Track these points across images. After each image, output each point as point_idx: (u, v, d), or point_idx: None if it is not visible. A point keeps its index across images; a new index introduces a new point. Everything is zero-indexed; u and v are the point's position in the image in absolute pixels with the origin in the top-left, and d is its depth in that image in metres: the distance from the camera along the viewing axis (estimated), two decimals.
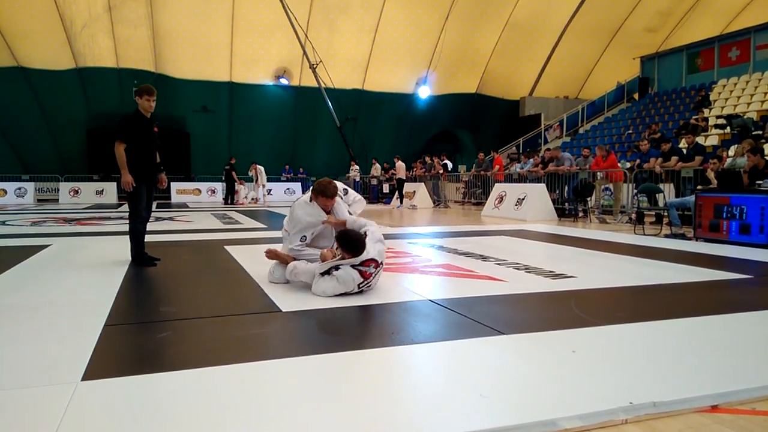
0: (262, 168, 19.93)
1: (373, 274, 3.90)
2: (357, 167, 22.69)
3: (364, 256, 3.83)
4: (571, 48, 26.30)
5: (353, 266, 3.80)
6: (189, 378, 2.33)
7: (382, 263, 3.99)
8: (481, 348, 2.78)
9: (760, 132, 13.88)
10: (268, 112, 25.57)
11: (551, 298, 4.02)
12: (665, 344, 2.86)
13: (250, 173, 20.25)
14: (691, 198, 8.21)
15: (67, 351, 2.69)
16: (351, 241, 3.88)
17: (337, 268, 3.82)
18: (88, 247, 6.79)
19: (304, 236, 4.30)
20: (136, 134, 5.15)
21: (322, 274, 3.87)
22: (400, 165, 18.31)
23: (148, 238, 5.56)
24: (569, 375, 2.38)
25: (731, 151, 10.45)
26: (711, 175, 9.15)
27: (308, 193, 4.45)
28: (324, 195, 4.29)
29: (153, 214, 5.55)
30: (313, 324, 3.34)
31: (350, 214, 4.51)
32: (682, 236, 8.07)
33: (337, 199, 4.43)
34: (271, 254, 4.41)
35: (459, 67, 26.64)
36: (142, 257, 5.31)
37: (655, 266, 5.50)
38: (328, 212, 4.37)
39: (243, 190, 20.27)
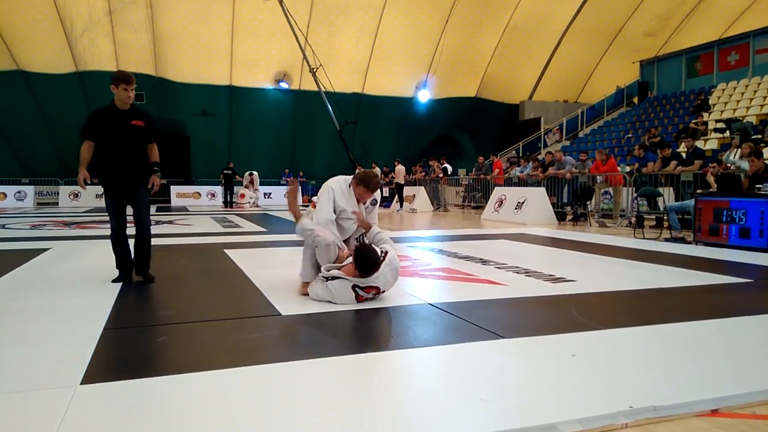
0: (256, 174, 20.67)
1: (368, 299, 3.78)
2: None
3: (371, 281, 3.70)
4: (571, 52, 26.38)
5: (354, 286, 3.70)
6: (188, 382, 2.33)
7: (384, 291, 3.87)
8: (481, 352, 2.78)
9: (760, 136, 13.90)
10: (268, 115, 25.61)
11: (551, 301, 4.01)
12: (665, 348, 2.86)
13: (245, 181, 20.49)
14: (691, 202, 8.21)
15: (66, 354, 2.69)
16: (367, 261, 3.64)
17: (334, 277, 3.74)
18: (88, 251, 6.78)
19: (334, 210, 4.08)
20: (105, 130, 4.42)
21: (325, 278, 3.82)
22: (399, 169, 18.32)
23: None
24: (569, 379, 2.38)
25: (735, 155, 10.42)
26: (711, 179, 9.16)
27: (343, 177, 4.24)
28: (366, 186, 4.12)
29: (151, 217, 5.01)
30: (312, 328, 3.34)
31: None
32: (682, 240, 8.07)
33: (369, 206, 4.30)
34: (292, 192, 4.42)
35: (459, 71, 26.70)
36: (123, 270, 4.63)
37: (654, 270, 5.49)
38: (361, 202, 4.23)
39: (248, 193, 20.51)
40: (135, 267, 4.63)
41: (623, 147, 18.58)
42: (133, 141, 4.51)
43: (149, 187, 4.59)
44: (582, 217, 11.88)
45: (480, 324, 3.25)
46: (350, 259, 3.85)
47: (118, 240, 4.61)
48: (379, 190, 4.42)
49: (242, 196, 20.45)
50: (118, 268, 4.64)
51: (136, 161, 4.54)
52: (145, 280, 4.58)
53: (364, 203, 4.26)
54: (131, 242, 4.65)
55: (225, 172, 20.22)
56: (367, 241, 4.15)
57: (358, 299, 3.73)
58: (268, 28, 23.30)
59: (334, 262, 3.92)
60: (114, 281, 4.54)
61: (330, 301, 3.75)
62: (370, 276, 3.68)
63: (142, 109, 4.66)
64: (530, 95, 28.14)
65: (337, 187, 4.13)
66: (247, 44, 24.10)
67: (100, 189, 21.85)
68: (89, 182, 4.45)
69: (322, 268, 3.88)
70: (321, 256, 3.93)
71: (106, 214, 4.68)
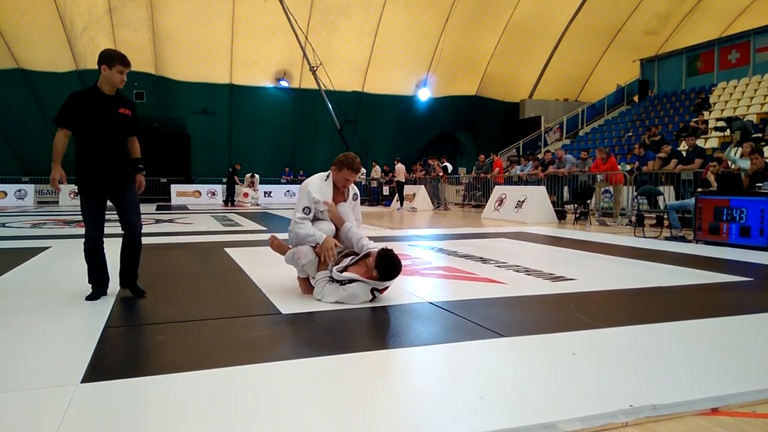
0: (258, 176, 20.84)
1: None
2: (363, 170, 22.79)
3: (389, 282, 3.77)
4: (571, 50, 26.35)
5: (373, 289, 3.71)
6: (188, 380, 2.33)
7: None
8: (481, 350, 2.78)
9: (760, 134, 13.89)
10: (268, 114, 25.60)
11: (551, 300, 4.01)
12: (665, 347, 2.86)
13: (246, 182, 20.56)
14: (691, 200, 8.21)
15: (66, 353, 2.69)
16: (391, 267, 3.67)
17: (351, 280, 3.71)
18: None
19: (308, 208, 3.94)
20: (87, 117, 3.74)
21: (337, 281, 3.75)
22: (399, 167, 18.33)
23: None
24: (569, 377, 2.38)
25: (735, 153, 10.42)
26: (711, 177, 9.15)
27: (318, 174, 4.21)
28: (351, 168, 4.06)
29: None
30: (313, 326, 3.34)
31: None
32: (682, 239, 8.07)
33: (350, 201, 4.24)
34: (274, 244, 4.43)
35: (459, 70, 26.68)
36: (100, 285, 3.93)
37: (654, 269, 5.49)
38: (342, 190, 4.16)
39: (251, 192, 20.61)
40: (122, 279, 3.99)
41: (623, 146, 18.58)
42: (120, 132, 3.86)
43: (137, 187, 3.99)
44: (582, 215, 11.88)
45: (480, 323, 3.25)
46: (349, 260, 3.83)
47: (94, 250, 3.89)
48: (354, 186, 4.33)
49: (246, 195, 20.56)
50: (92, 282, 3.92)
51: (122, 156, 3.91)
52: (135, 294, 3.96)
53: (345, 194, 4.18)
54: (112, 250, 4.01)
55: (229, 170, 20.45)
56: (342, 236, 4.05)
57: (374, 298, 3.76)
58: (268, 26, 23.28)
59: (319, 264, 3.88)
60: (88, 299, 3.82)
61: (342, 302, 3.71)
62: (389, 280, 3.74)
63: (127, 97, 4.08)
64: (530, 94, 28.11)
65: (313, 182, 4.09)
66: (247, 43, 24.08)
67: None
68: (64, 182, 3.82)
69: (333, 270, 3.79)
70: (309, 269, 3.92)
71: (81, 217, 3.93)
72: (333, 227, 4.02)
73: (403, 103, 27.03)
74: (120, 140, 3.88)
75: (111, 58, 3.78)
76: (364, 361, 2.62)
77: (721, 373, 2.46)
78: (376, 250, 3.78)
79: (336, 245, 3.88)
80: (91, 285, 3.91)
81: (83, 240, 3.90)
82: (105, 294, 3.93)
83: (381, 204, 20.85)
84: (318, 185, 4.06)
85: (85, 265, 3.91)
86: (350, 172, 4.07)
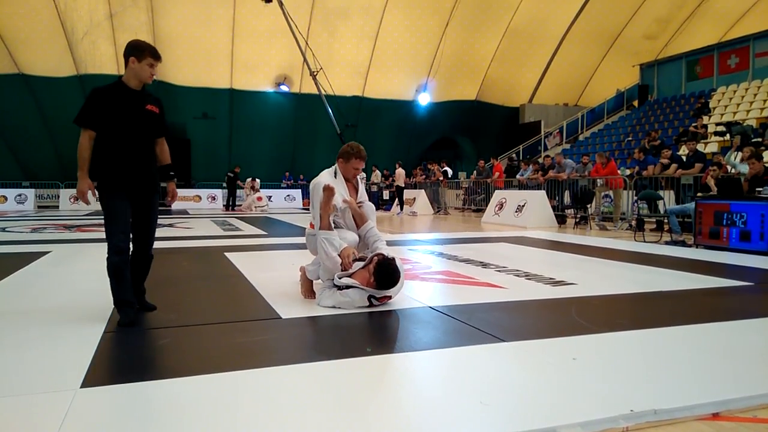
0: (258, 180, 20.81)
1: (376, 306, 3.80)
2: (363, 174, 22.82)
3: (387, 292, 3.73)
4: (571, 55, 26.40)
5: (370, 296, 3.69)
6: (189, 385, 2.33)
7: (393, 297, 3.88)
8: (482, 355, 2.77)
9: (760, 139, 13.91)
10: (268, 118, 25.62)
11: (551, 305, 4.01)
12: (666, 351, 2.85)
13: (247, 187, 20.48)
14: (691, 205, 8.21)
15: (66, 358, 2.69)
16: (389, 279, 3.64)
17: (349, 286, 3.70)
18: (88, 254, 6.78)
19: (333, 205, 3.87)
20: (112, 113, 3.30)
21: (338, 287, 3.74)
22: (399, 172, 18.35)
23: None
24: (570, 382, 2.37)
25: (735, 158, 10.41)
26: (711, 182, 9.15)
27: (325, 171, 4.17)
28: (359, 156, 4.10)
29: None
30: (313, 331, 3.34)
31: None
32: (683, 243, 8.07)
33: (362, 191, 4.26)
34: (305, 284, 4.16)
35: (459, 74, 26.71)
36: (125, 305, 3.33)
37: (655, 273, 5.49)
38: (351, 179, 4.16)
39: (264, 196, 20.49)
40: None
41: (623, 150, 18.60)
42: (148, 131, 3.47)
43: (169, 198, 3.67)
44: (582, 220, 11.88)
45: (480, 327, 3.24)
46: (359, 265, 3.79)
47: (123, 265, 3.34)
48: (362, 184, 4.32)
49: (260, 198, 20.21)
50: (120, 305, 3.34)
51: (150, 158, 3.53)
52: (145, 309, 3.62)
53: (356, 184, 4.22)
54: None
55: (228, 174, 20.31)
56: (362, 234, 4.07)
57: (371, 305, 3.72)
58: (269, 30, 23.30)
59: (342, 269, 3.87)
60: (123, 324, 3.24)
61: (338, 307, 3.71)
62: (386, 290, 3.71)
63: (153, 94, 3.62)
64: (530, 98, 28.14)
65: (324, 183, 3.98)
66: (247, 47, 24.11)
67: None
68: (94, 194, 3.36)
69: (334, 276, 3.78)
70: (323, 274, 3.88)
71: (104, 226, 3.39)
72: (357, 238, 4.02)
73: (403, 108, 27.06)
74: (147, 141, 3.50)
75: (141, 49, 3.35)
76: (364, 366, 2.62)
77: (722, 378, 2.46)
78: (381, 256, 3.76)
79: (354, 253, 3.88)
80: (118, 306, 3.35)
81: (109, 251, 3.30)
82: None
83: (381, 208, 20.85)
84: (333, 182, 4.02)
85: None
86: (359, 161, 4.14)
